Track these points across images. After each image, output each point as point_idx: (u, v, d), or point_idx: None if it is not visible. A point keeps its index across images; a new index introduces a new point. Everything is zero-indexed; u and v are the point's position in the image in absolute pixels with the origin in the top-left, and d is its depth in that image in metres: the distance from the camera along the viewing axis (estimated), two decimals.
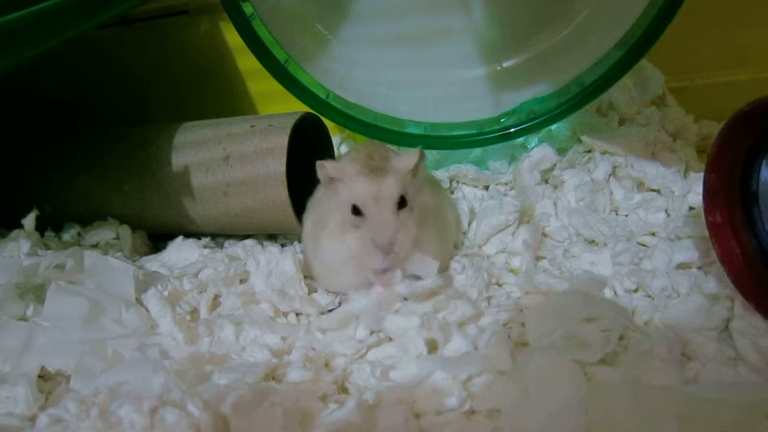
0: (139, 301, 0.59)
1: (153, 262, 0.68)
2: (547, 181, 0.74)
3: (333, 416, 0.44)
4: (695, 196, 0.65)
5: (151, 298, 0.58)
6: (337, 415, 0.44)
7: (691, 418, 0.41)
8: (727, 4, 0.80)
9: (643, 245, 0.63)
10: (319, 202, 0.62)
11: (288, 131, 0.67)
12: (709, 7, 0.78)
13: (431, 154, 0.85)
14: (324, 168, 0.56)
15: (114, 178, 0.73)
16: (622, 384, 0.44)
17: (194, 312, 0.60)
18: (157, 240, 0.75)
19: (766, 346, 0.45)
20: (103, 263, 0.60)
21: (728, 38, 0.82)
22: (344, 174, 0.55)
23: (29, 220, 0.67)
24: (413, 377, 0.46)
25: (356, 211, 0.54)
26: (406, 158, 0.57)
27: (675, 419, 0.41)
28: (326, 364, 0.50)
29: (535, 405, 0.43)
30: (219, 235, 0.75)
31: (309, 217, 0.63)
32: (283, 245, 0.72)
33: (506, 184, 0.77)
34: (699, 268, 0.57)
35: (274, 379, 0.50)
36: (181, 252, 0.69)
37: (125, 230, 0.72)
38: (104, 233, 0.72)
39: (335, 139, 0.88)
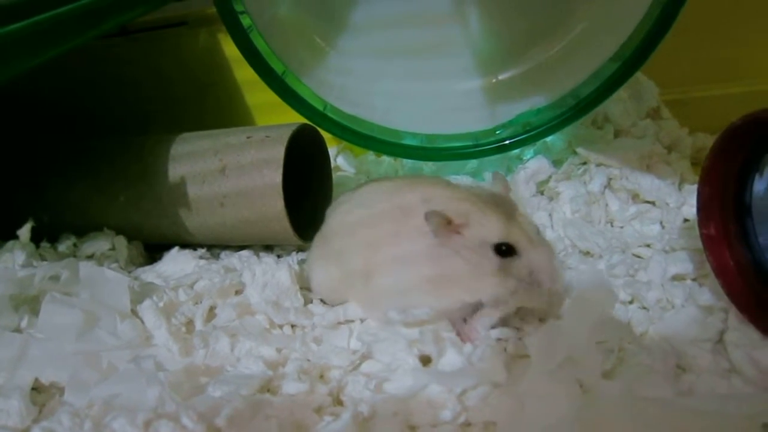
0: (134, 312, 0.59)
1: (149, 273, 0.68)
2: (542, 193, 0.75)
3: (328, 429, 0.44)
4: (690, 208, 0.65)
5: (146, 310, 0.58)
6: (333, 427, 0.44)
7: (686, 431, 0.41)
8: (722, 18, 0.81)
9: (639, 257, 0.63)
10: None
11: (284, 142, 0.67)
12: (704, 20, 0.78)
13: (428, 166, 0.85)
14: (439, 215, 0.49)
15: (110, 189, 0.73)
16: (618, 396, 0.44)
17: (189, 323, 0.60)
18: (153, 251, 0.75)
19: (761, 358, 0.45)
20: (98, 274, 0.59)
21: (723, 52, 0.83)
22: (473, 215, 0.49)
23: (24, 231, 0.67)
24: (408, 390, 0.46)
25: (504, 251, 0.49)
26: (504, 183, 0.55)
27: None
28: (321, 376, 0.50)
29: (531, 418, 0.43)
30: (215, 246, 0.75)
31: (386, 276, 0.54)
32: (279, 256, 0.72)
33: None
34: (693, 279, 0.57)
35: (269, 391, 0.49)
36: (177, 263, 0.69)
37: (121, 241, 0.72)
38: (100, 244, 0.71)
39: (332, 151, 0.88)
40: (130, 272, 0.68)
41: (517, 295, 0.49)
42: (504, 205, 0.51)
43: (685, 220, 0.65)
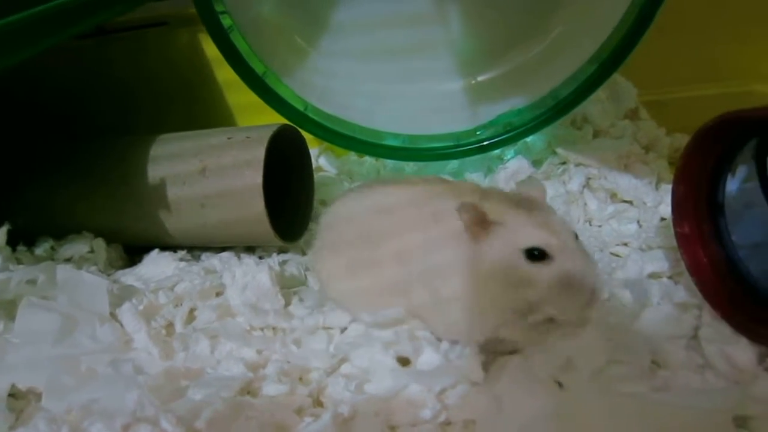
0: (113, 315, 0.58)
1: (128, 276, 0.67)
2: None
3: (309, 429, 0.44)
4: (666, 207, 0.66)
5: (125, 313, 0.57)
6: (313, 428, 0.44)
7: (662, 426, 0.42)
8: (700, 21, 0.82)
9: (616, 255, 0.64)
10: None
11: (265, 143, 0.67)
12: (682, 23, 0.80)
13: (409, 166, 0.85)
14: (473, 210, 0.45)
15: (88, 191, 0.72)
16: (594, 393, 0.45)
17: (170, 326, 0.59)
18: (133, 253, 0.75)
19: (733, 353, 0.46)
20: (76, 278, 0.59)
21: (700, 53, 0.84)
22: (508, 215, 0.46)
23: (1, 235, 0.66)
24: (388, 390, 0.46)
25: (536, 256, 0.45)
26: (540, 187, 0.51)
27: (646, 427, 0.42)
28: (301, 378, 0.50)
29: (509, 415, 0.44)
30: (196, 248, 0.75)
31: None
32: (261, 257, 0.72)
33: None
34: (669, 277, 0.58)
35: (249, 393, 0.49)
36: (157, 265, 0.68)
37: (100, 244, 0.72)
38: (78, 247, 0.71)
39: (313, 151, 0.88)
40: (109, 275, 0.67)
41: (545, 305, 0.45)
42: (540, 209, 0.47)
43: (662, 219, 0.66)
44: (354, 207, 0.59)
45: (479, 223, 0.46)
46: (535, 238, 0.45)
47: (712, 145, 0.49)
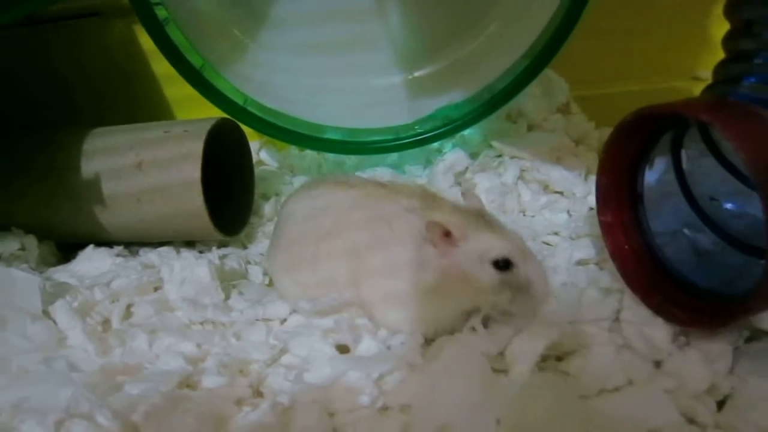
0: (46, 313, 0.57)
1: (62, 273, 0.66)
2: (460, 184, 0.77)
3: (247, 419, 0.44)
4: (594, 198, 0.69)
5: (59, 310, 0.56)
6: (252, 417, 0.44)
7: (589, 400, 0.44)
8: (626, 22, 0.86)
9: (548, 244, 0.66)
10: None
11: (203, 137, 0.67)
12: (611, 23, 0.84)
13: (350, 159, 0.86)
14: (440, 227, 0.49)
15: (17, 185, 0.70)
16: (527, 375, 0.47)
17: (106, 322, 0.59)
18: (67, 250, 0.73)
19: (650, 333, 0.49)
20: (5, 275, 0.57)
21: (626, 52, 0.88)
22: (471, 230, 0.50)
23: None
24: (327, 378, 0.47)
25: (502, 266, 0.49)
26: (478, 200, 0.55)
27: (577, 401, 0.45)
28: (241, 370, 0.50)
29: (444, 398, 0.45)
30: (133, 243, 0.73)
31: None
32: (201, 252, 0.71)
33: None
34: (596, 264, 0.61)
35: (188, 386, 0.49)
36: (92, 261, 0.67)
37: (31, 240, 0.70)
38: (8, 244, 0.68)
39: (254, 145, 0.88)
40: (41, 273, 0.66)
41: (512, 303, 0.50)
42: (491, 220, 0.52)
43: (590, 209, 0.69)
44: (303, 206, 0.61)
45: (444, 238, 0.50)
46: (502, 250, 0.49)
47: (632, 139, 0.52)
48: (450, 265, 0.50)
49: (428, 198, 0.55)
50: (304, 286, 0.56)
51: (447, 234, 0.49)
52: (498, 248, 0.49)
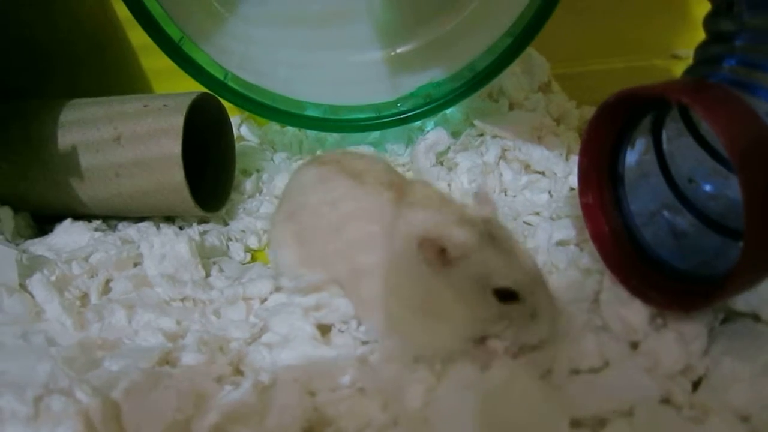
0: (23, 287, 0.56)
1: (38, 246, 0.65)
2: (441, 163, 0.77)
3: (228, 397, 0.44)
4: (575, 178, 0.68)
5: (36, 284, 0.55)
6: (233, 396, 0.44)
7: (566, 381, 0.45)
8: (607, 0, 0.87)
9: (528, 224, 0.67)
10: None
11: (183, 112, 0.65)
12: (591, 1, 0.84)
13: (331, 137, 0.85)
14: (435, 246, 0.42)
15: None
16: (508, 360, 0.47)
17: (84, 297, 0.58)
18: (44, 222, 0.71)
19: (627, 315, 0.49)
20: None
21: (607, 29, 0.89)
22: (474, 250, 0.43)
23: None
24: (307, 357, 0.47)
25: (506, 296, 0.43)
26: (490, 203, 0.47)
27: (552, 383, 0.45)
28: (221, 348, 0.50)
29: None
30: (112, 218, 0.72)
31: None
32: (181, 228, 0.71)
33: (403, 165, 0.79)
34: (576, 245, 0.61)
35: (168, 363, 0.49)
36: (70, 235, 0.66)
37: (6, 212, 0.68)
38: None
39: (235, 120, 0.87)
40: (17, 245, 0.65)
41: (510, 336, 0.45)
42: (501, 235, 0.45)
43: (571, 189, 0.69)
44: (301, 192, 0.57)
45: (440, 257, 0.43)
46: (507, 279, 0.43)
47: (613, 120, 0.52)
48: (444, 288, 0.43)
49: (434, 201, 0.48)
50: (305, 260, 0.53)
51: (443, 251, 0.43)
52: (503, 277, 0.42)
